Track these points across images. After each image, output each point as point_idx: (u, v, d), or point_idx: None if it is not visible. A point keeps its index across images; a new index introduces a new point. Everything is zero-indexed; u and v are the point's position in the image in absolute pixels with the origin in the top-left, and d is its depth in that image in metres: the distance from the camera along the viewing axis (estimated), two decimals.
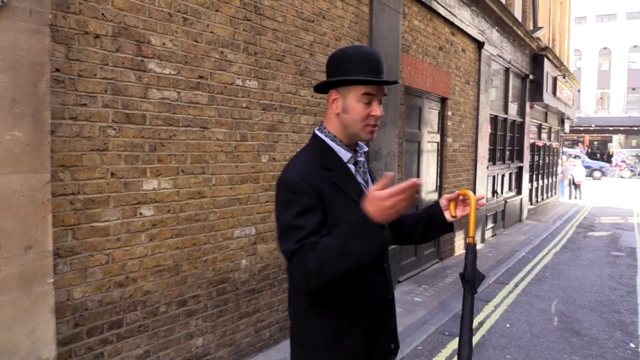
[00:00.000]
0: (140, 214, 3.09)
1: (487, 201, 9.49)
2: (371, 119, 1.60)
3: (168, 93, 3.20)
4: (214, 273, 3.61)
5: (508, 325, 5.01)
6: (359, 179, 1.66)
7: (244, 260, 3.86)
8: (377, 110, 1.60)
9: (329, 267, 1.39)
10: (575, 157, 27.55)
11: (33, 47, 2.46)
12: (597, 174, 30.48)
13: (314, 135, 1.69)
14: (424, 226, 1.83)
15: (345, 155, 1.64)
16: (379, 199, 1.31)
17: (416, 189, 1.32)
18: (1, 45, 2.33)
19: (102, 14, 2.81)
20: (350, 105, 1.60)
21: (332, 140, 1.65)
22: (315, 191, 1.52)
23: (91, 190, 2.82)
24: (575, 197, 18.13)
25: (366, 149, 1.75)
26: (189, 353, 3.46)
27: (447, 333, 4.74)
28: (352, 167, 1.66)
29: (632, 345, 4.58)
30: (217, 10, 3.50)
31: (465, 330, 1.61)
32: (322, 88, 1.67)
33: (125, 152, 2.98)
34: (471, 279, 1.62)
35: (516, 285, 6.51)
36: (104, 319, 2.93)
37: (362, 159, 1.72)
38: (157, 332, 3.24)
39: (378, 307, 1.66)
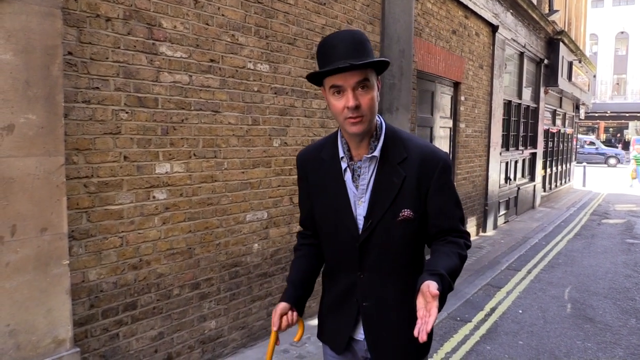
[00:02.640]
0: (154, 197, 3.11)
1: (499, 187, 9.42)
2: (347, 111, 1.48)
3: (180, 76, 3.20)
4: (227, 256, 3.63)
5: (520, 312, 4.99)
6: (348, 181, 1.62)
7: (256, 244, 3.88)
8: (350, 100, 1.46)
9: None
10: (590, 143, 27.15)
11: (45, 30, 2.46)
12: (612, 160, 29.90)
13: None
14: None
15: (340, 152, 1.63)
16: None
17: None
18: (14, 28, 2.34)
19: None
20: (328, 101, 1.55)
21: (340, 134, 1.66)
22: (304, 172, 1.76)
23: (105, 173, 2.84)
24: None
25: (376, 153, 1.58)
26: (202, 335, 3.50)
27: (458, 318, 4.74)
28: (344, 165, 1.62)
29: None
30: None
31: None
32: (317, 84, 1.62)
33: (138, 135, 2.99)
34: None
35: (529, 272, 6.47)
36: (119, 300, 2.96)
37: (358, 163, 1.61)
38: (171, 315, 3.28)
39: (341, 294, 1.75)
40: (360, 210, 1.62)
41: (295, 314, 1.68)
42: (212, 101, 3.43)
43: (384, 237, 1.60)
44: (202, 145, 3.38)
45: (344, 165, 1.63)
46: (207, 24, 3.35)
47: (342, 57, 1.45)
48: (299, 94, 4.15)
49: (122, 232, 2.95)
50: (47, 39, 2.47)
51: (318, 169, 1.69)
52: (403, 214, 1.57)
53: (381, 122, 1.62)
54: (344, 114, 1.49)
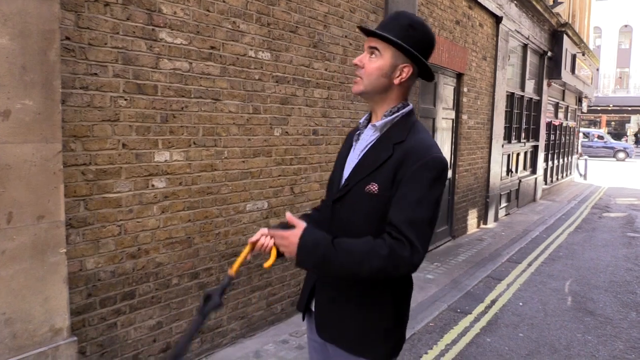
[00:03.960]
0: (152, 185, 3.07)
1: (501, 180, 9.38)
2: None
3: (180, 63, 3.15)
4: (226, 246, 3.60)
5: (521, 304, 4.97)
6: (353, 143, 1.74)
7: None
8: (357, 57, 1.65)
9: None
10: (599, 137, 26.83)
11: (42, 14, 2.41)
12: (621, 154, 29.04)
13: None
14: None
15: (363, 119, 1.76)
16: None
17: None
18: (10, 12, 2.29)
19: None
20: None
21: None
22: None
23: (103, 161, 2.80)
24: None
25: (378, 123, 1.64)
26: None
27: (459, 310, 4.72)
28: (357, 133, 1.75)
29: None
30: None
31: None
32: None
33: (137, 123, 2.95)
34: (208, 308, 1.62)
35: (529, 264, 6.45)
36: (117, 289, 2.94)
37: (362, 129, 1.73)
38: (170, 304, 3.26)
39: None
40: (346, 170, 1.70)
41: (272, 240, 1.63)
42: (213, 89, 3.38)
43: (352, 204, 1.63)
44: (202, 134, 3.34)
45: (357, 131, 1.75)
46: (207, 11, 3.29)
47: (383, 24, 1.62)
48: (301, 83, 4.10)
49: (121, 220, 2.92)
50: (44, 24, 2.42)
51: (349, 135, 1.84)
52: (370, 186, 1.57)
53: (404, 106, 1.66)
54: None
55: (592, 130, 28.92)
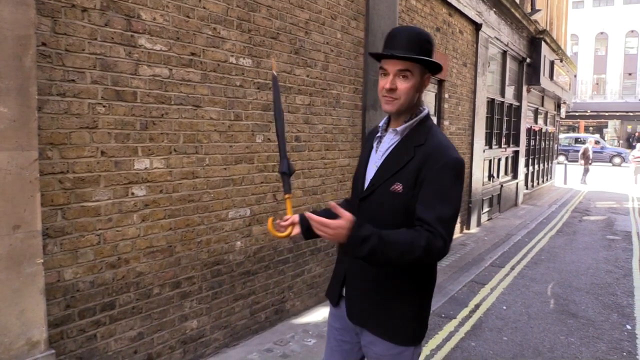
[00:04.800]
0: (132, 194, 3.02)
1: (483, 185, 9.47)
2: (383, 90, 1.76)
3: (159, 70, 3.12)
4: (209, 254, 3.56)
5: (505, 308, 5.00)
6: (374, 146, 1.90)
7: (239, 242, 3.81)
8: (387, 83, 1.74)
9: None
10: (596, 142, 26.92)
11: (18, 19, 2.37)
12: (616, 159, 28.85)
13: None
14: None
15: (381, 124, 1.91)
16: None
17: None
18: None
19: None
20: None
21: None
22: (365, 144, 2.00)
23: (81, 169, 2.75)
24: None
25: (400, 127, 1.81)
26: (183, 335, 3.42)
27: (443, 315, 4.72)
28: (378, 133, 1.90)
29: (628, 327, 4.58)
30: None
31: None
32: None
33: (116, 130, 2.90)
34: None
35: (512, 268, 6.50)
36: (96, 300, 2.87)
37: (383, 133, 1.89)
38: (151, 314, 3.20)
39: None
40: (369, 173, 1.86)
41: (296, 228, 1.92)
42: (193, 95, 3.35)
43: (378, 202, 1.79)
44: (182, 141, 3.30)
45: (378, 134, 1.90)
46: (187, 17, 3.27)
47: (395, 46, 1.73)
48: (283, 90, 4.09)
49: (100, 229, 2.86)
50: (19, 29, 2.37)
51: (369, 137, 2.00)
52: (395, 186, 1.74)
53: (422, 111, 1.84)
54: (381, 92, 1.77)
55: (590, 136, 28.83)
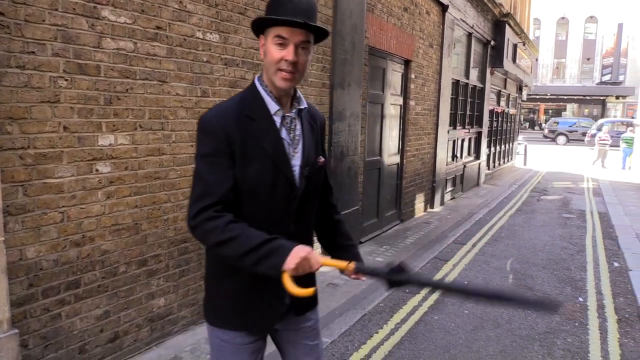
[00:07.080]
0: (97, 170, 2.96)
1: (447, 165, 9.67)
2: (283, 63, 1.52)
3: (124, 43, 3.03)
4: (175, 232, 3.53)
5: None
6: (283, 134, 1.62)
7: None
8: (290, 54, 1.51)
9: (230, 249, 1.50)
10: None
11: None
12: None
13: (252, 83, 1.67)
14: (334, 247, 1.87)
15: (273, 107, 1.61)
16: (305, 259, 1.47)
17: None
18: None
19: None
20: (267, 48, 1.56)
21: (264, 89, 1.62)
22: (228, 138, 1.53)
23: (42, 144, 2.67)
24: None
25: (304, 105, 1.69)
26: (150, 313, 3.41)
27: (407, 290, 4.85)
28: (277, 119, 1.61)
29: (580, 299, 4.82)
30: None
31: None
32: (256, 33, 1.65)
33: (79, 104, 2.82)
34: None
35: (474, 245, 6.71)
36: (60, 279, 2.82)
37: (292, 114, 1.65)
38: (117, 293, 3.17)
39: None
40: (295, 161, 1.64)
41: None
42: (159, 70, 3.28)
43: (314, 184, 1.70)
44: (148, 117, 3.24)
45: (277, 119, 1.62)
46: None
47: (297, 13, 1.50)
48: (250, 66, 4.05)
49: (63, 207, 2.80)
50: None
51: (246, 129, 1.56)
52: (320, 160, 1.72)
53: None
54: (278, 64, 1.53)
55: (626, 120, 27.40)
